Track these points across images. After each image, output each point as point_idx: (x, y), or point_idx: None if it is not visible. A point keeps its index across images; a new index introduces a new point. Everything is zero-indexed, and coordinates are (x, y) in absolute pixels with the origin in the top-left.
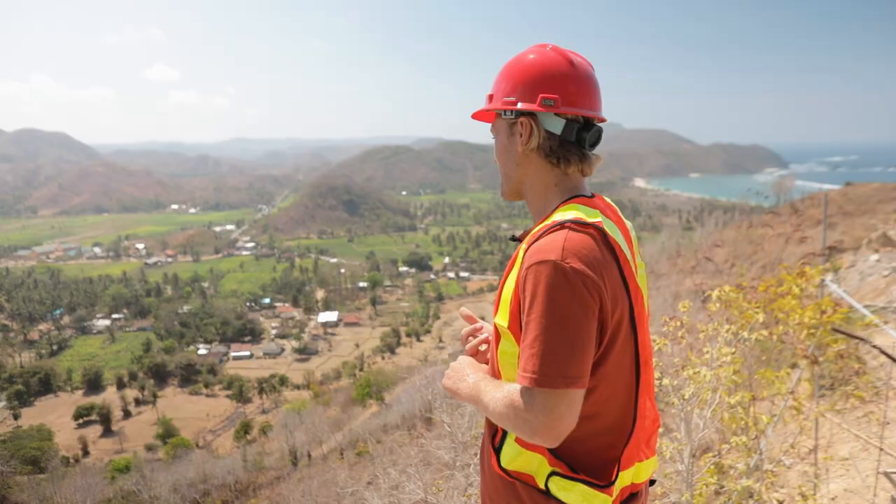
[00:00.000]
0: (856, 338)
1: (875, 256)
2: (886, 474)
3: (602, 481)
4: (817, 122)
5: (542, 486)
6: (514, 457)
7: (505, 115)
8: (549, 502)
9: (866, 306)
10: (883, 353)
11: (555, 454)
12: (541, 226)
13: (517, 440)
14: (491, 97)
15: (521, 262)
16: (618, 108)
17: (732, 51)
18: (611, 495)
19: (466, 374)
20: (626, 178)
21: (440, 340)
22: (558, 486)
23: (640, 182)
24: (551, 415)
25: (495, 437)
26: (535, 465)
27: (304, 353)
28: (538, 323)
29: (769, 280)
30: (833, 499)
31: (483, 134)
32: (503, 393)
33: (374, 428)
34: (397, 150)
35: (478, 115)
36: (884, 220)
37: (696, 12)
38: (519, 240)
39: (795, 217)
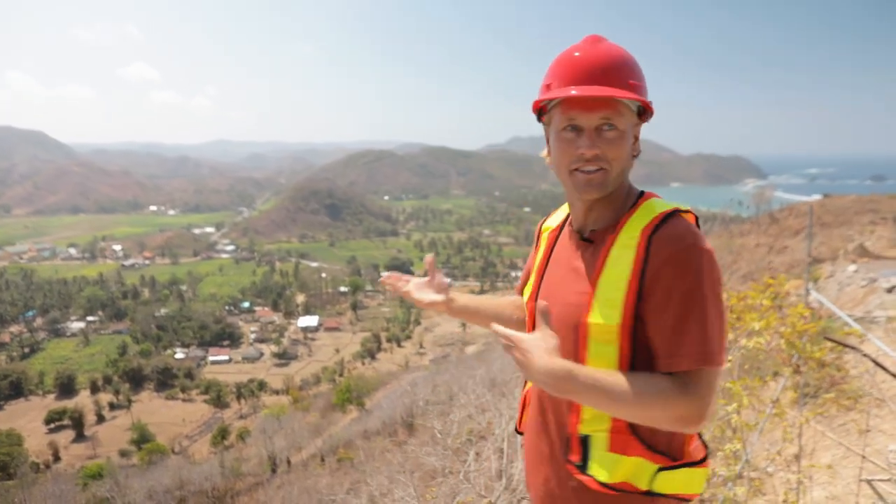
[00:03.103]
0: (848, 346)
1: (853, 267)
2: (868, 482)
3: (697, 458)
4: (796, 134)
5: (645, 488)
6: (614, 467)
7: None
8: (654, 502)
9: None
10: (875, 363)
11: (653, 449)
12: (643, 216)
13: (611, 448)
14: (608, 82)
15: (651, 252)
16: None
17: (714, 62)
18: (708, 466)
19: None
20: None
21: (421, 346)
22: (664, 481)
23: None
24: (712, 394)
25: (570, 452)
26: (635, 469)
27: (284, 357)
28: (697, 303)
29: (737, 294)
30: None
31: (466, 140)
32: (646, 379)
33: (354, 434)
34: (381, 155)
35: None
36: (860, 231)
37: (676, 22)
38: (591, 240)
39: (774, 227)
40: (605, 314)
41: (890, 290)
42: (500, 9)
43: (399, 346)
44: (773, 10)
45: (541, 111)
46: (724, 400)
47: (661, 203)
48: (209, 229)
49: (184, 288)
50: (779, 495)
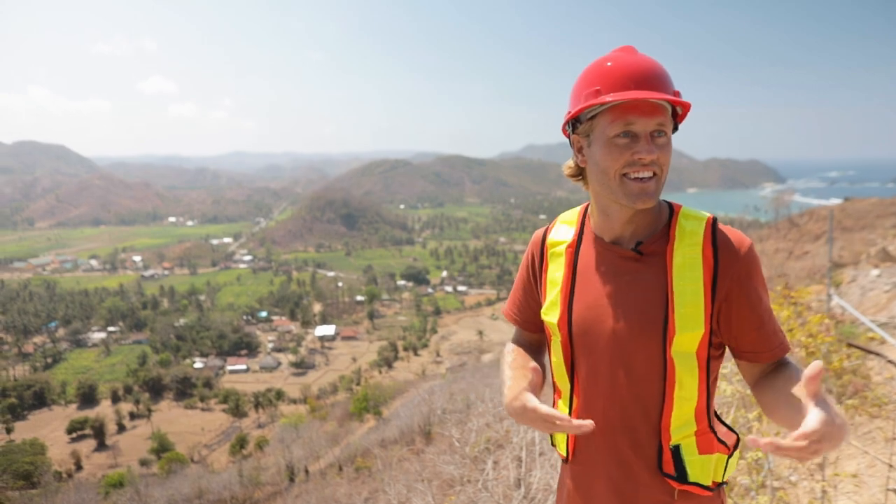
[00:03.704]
0: (871, 352)
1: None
2: (895, 491)
3: (736, 443)
4: (815, 137)
5: (723, 479)
6: (709, 468)
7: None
8: (722, 491)
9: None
10: None
11: (721, 442)
12: (692, 224)
13: (701, 450)
14: (664, 89)
15: (720, 258)
16: None
17: (729, 65)
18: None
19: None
20: None
21: (437, 354)
22: (727, 470)
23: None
24: None
25: (663, 466)
26: (718, 464)
27: (301, 367)
28: (765, 300)
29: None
30: None
31: (480, 148)
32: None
33: (372, 442)
34: (395, 164)
35: (685, 107)
36: (882, 234)
37: (692, 24)
38: (642, 252)
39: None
40: (690, 325)
41: None
42: (511, 16)
43: (416, 354)
44: (785, 11)
45: (575, 120)
46: (743, 410)
47: (694, 210)
48: (227, 239)
49: (202, 298)
50: None
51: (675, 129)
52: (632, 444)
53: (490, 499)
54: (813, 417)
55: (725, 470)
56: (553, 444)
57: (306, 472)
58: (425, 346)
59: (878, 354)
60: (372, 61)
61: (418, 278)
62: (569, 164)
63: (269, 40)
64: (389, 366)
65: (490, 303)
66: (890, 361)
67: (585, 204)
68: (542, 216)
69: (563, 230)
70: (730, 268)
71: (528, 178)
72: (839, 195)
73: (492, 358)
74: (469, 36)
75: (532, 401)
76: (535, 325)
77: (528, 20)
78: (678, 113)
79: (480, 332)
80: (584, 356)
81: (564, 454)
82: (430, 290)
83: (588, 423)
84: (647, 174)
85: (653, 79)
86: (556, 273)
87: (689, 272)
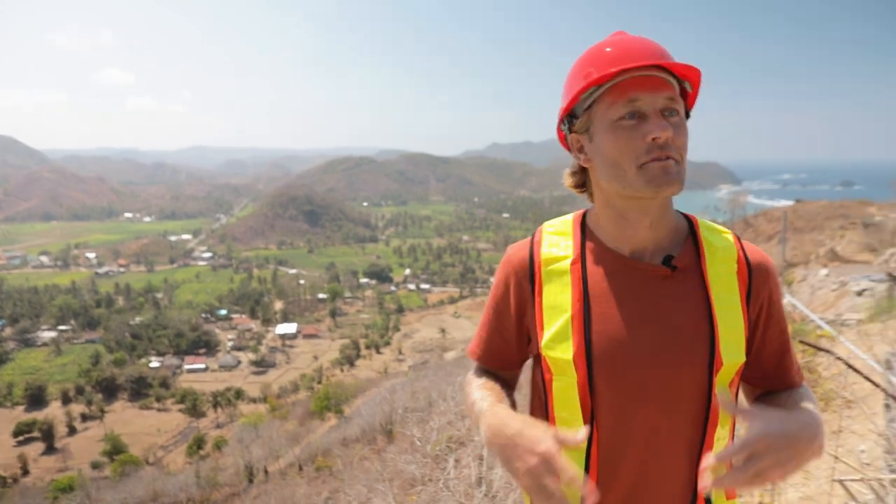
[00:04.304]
0: (821, 349)
1: (824, 271)
2: (840, 482)
3: None
4: (769, 140)
5: None
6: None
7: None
8: None
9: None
10: (847, 364)
11: None
12: (717, 237)
13: (728, 495)
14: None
15: (753, 277)
16: None
17: None
18: None
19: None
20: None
21: (400, 353)
22: None
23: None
24: None
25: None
26: None
27: (262, 365)
28: (786, 322)
29: None
30: None
31: (445, 146)
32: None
33: (333, 441)
34: (359, 162)
35: (692, 79)
36: (830, 235)
37: (642, 25)
38: (674, 266)
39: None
40: (735, 353)
41: (860, 294)
42: (478, 15)
43: (378, 352)
44: (739, 18)
45: (570, 117)
46: None
47: (711, 223)
48: (186, 236)
49: (159, 295)
50: (754, 496)
51: (687, 115)
52: (668, 498)
53: (451, 497)
54: (748, 432)
55: None
56: None
57: (266, 472)
58: (388, 344)
59: (827, 351)
60: (337, 58)
61: (381, 276)
62: (568, 171)
63: (230, 33)
64: (351, 364)
65: (453, 301)
66: (838, 358)
67: (580, 212)
68: (506, 215)
69: (557, 243)
70: (762, 288)
71: (493, 176)
72: (791, 197)
73: (455, 355)
74: (436, 35)
75: (551, 441)
76: (512, 364)
77: (495, 19)
78: (686, 95)
79: (443, 330)
80: (609, 398)
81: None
82: (393, 287)
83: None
84: (663, 157)
85: (653, 51)
86: (559, 296)
87: (727, 293)
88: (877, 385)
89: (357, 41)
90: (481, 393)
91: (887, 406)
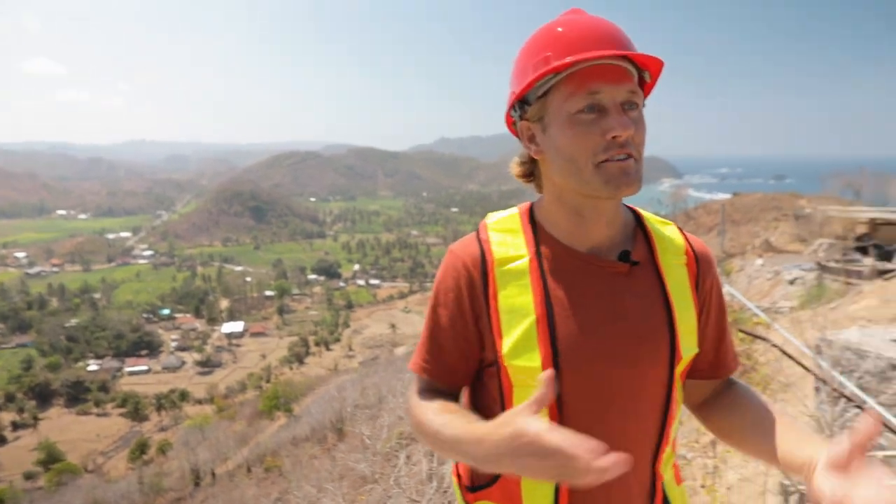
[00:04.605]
0: (758, 337)
1: (759, 261)
2: None
3: None
4: (709, 136)
5: None
6: (683, 497)
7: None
8: None
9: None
10: (781, 350)
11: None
12: (664, 228)
13: (677, 480)
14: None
15: (700, 268)
16: None
17: None
18: None
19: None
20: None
21: (350, 349)
22: None
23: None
24: None
25: (655, 496)
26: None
27: (207, 365)
28: (725, 309)
29: None
30: (729, 488)
31: (393, 141)
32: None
33: (282, 441)
34: (306, 156)
35: (653, 69)
36: (765, 227)
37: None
38: (633, 261)
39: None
40: (690, 345)
41: (792, 282)
42: (426, 8)
43: (328, 349)
44: (682, 16)
45: (522, 103)
46: None
47: (649, 213)
48: (125, 234)
49: (97, 296)
50: (697, 480)
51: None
52: (636, 489)
53: (402, 495)
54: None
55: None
56: None
57: (213, 475)
58: (337, 340)
59: (764, 339)
60: (282, 50)
61: (330, 272)
62: (516, 160)
63: (170, 23)
64: (301, 362)
65: (402, 296)
66: (774, 345)
67: (525, 205)
68: (455, 209)
69: (508, 241)
70: (706, 277)
71: (441, 171)
72: (728, 190)
73: (405, 350)
74: (383, 28)
75: (533, 424)
76: (466, 378)
77: (444, 11)
78: (644, 82)
79: (393, 326)
80: (578, 405)
81: None
82: (341, 283)
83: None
84: (622, 156)
85: (615, 37)
86: (517, 300)
87: (680, 285)
88: (808, 369)
89: (303, 34)
90: (444, 418)
91: (817, 389)
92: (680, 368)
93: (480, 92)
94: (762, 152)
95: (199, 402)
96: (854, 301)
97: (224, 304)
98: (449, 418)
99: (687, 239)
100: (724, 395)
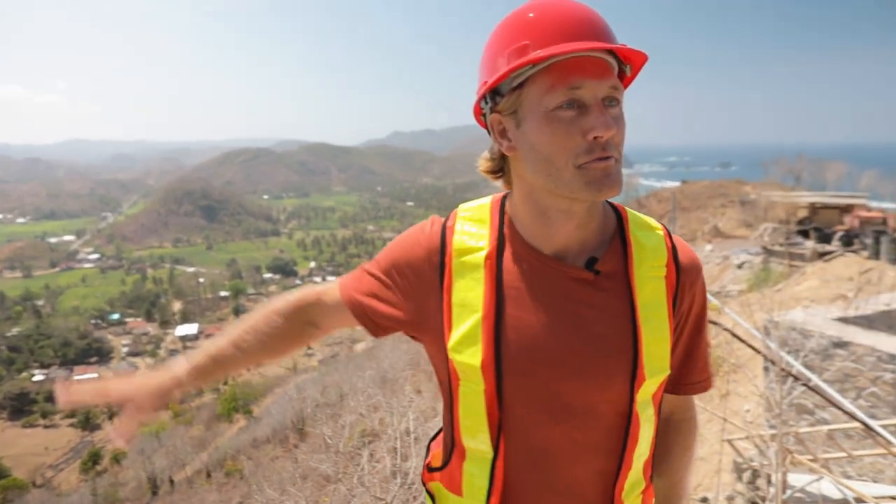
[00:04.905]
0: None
1: (709, 247)
2: (729, 441)
3: None
4: (658, 125)
5: None
6: (640, 486)
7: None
8: None
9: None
10: (732, 334)
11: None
12: (647, 234)
13: (644, 471)
14: (612, 40)
15: (681, 280)
16: (468, 109)
17: None
18: None
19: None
20: (487, 179)
21: (309, 347)
22: None
23: (499, 183)
24: None
25: (616, 495)
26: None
27: None
28: (706, 325)
29: None
30: None
31: (346, 135)
32: (695, 432)
33: (242, 444)
34: (257, 153)
35: (637, 63)
36: (713, 213)
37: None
38: (597, 270)
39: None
40: (658, 367)
41: (740, 266)
42: (376, 1)
43: None
44: (623, 4)
45: (493, 93)
46: None
47: (641, 216)
48: (68, 237)
49: (40, 303)
50: None
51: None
52: None
53: (367, 493)
54: None
55: None
56: None
57: (171, 482)
58: None
59: (715, 323)
60: (231, 45)
61: (286, 270)
62: (485, 155)
63: (110, 17)
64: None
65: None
66: (725, 329)
67: (498, 196)
68: (410, 203)
69: (472, 232)
70: (687, 293)
71: (395, 165)
72: (677, 178)
73: (364, 347)
74: (333, 21)
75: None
76: (372, 315)
77: (394, 3)
78: (624, 75)
79: None
80: (517, 410)
81: None
82: (298, 281)
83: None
84: (603, 157)
85: (598, 27)
86: (469, 293)
87: (655, 299)
88: (757, 350)
89: (251, 28)
90: (258, 328)
91: (766, 369)
92: (647, 390)
93: (433, 85)
94: (708, 140)
95: None
96: (798, 283)
97: (177, 306)
98: (244, 334)
99: (673, 247)
100: (665, 436)
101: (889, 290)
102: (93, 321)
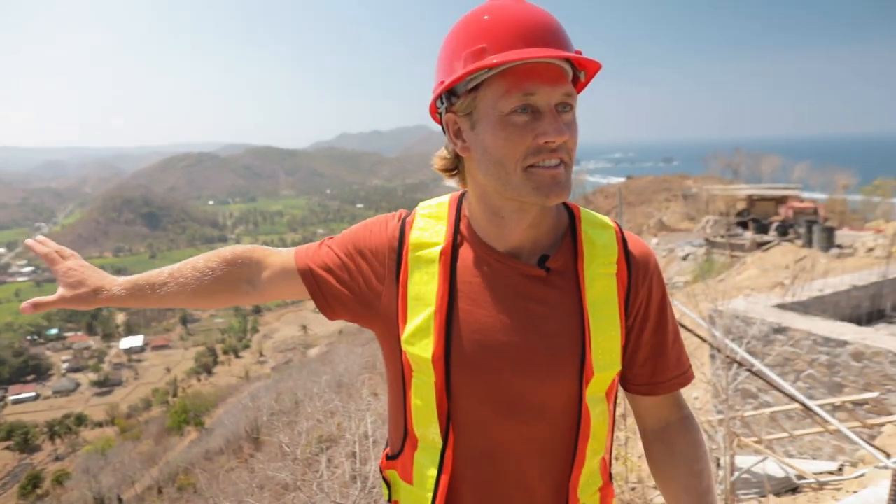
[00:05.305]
0: None
1: (655, 240)
2: None
3: None
4: (603, 122)
5: None
6: (596, 484)
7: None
8: None
9: None
10: (680, 325)
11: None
12: (599, 231)
13: (602, 469)
14: (569, 48)
15: (633, 273)
16: (425, 110)
17: None
18: None
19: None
20: (437, 179)
21: (261, 354)
22: None
23: (451, 182)
24: None
25: (570, 491)
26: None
27: (106, 385)
28: (671, 321)
29: None
30: (640, 456)
31: (292, 138)
32: (698, 433)
33: (195, 456)
34: (201, 158)
35: (591, 70)
36: (657, 207)
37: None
38: (548, 268)
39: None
40: (608, 362)
41: (685, 258)
42: (320, 1)
43: (237, 356)
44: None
45: (449, 93)
46: None
47: (593, 214)
48: None
49: None
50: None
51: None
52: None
53: (327, 499)
54: None
55: None
56: None
57: (119, 500)
58: (247, 346)
59: None
60: (167, 45)
61: None
62: (441, 153)
63: (37, 15)
64: (209, 372)
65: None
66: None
67: (456, 194)
68: (360, 205)
69: (429, 227)
70: (641, 288)
71: (344, 167)
72: (622, 174)
73: (318, 351)
74: (276, 22)
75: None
76: (325, 290)
77: (339, 3)
78: (578, 81)
79: (304, 327)
80: (466, 404)
81: None
82: None
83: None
84: (554, 162)
85: (555, 34)
86: (424, 288)
87: (605, 296)
88: (703, 339)
89: (191, 29)
90: (196, 266)
91: (712, 356)
92: (597, 386)
93: (380, 86)
94: (653, 137)
95: (100, 424)
96: (739, 272)
97: (120, 318)
98: (177, 270)
99: (625, 245)
100: (665, 442)
101: (822, 276)
102: (28, 337)
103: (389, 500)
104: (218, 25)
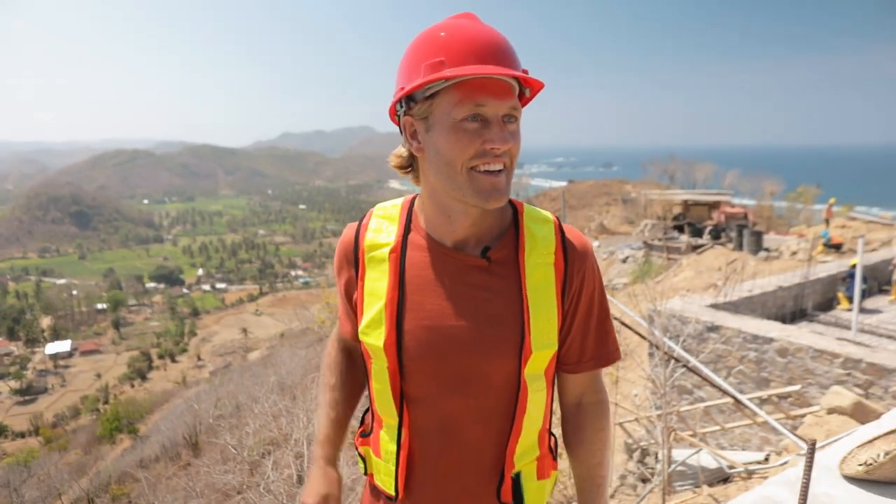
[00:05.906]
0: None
1: (596, 243)
2: (620, 424)
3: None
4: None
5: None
6: (543, 493)
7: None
8: None
9: None
10: (621, 322)
11: (554, 458)
12: (539, 225)
13: (539, 475)
14: (518, 67)
15: (569, 262)
16: (371, 112)
17: None
18: None
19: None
20: (381, 181)
21: (199, 358)
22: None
23: (394, 184)
24: None
25: (502, 493)
26: (551, 484)
27: (29, 393)
28: (602, 304)
29: None
30: None
31: (232, 136)
32: (607, 415)
33: (129, 465)
34: (134, 155)
35: (535, 88)
36: (598, 211)
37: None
38: (489, 258)
39: None
40: (545, 342)
41: (625, 261)
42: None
43: (174, 361)
44: (516, 14)
45: (409, 98)
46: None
47: (535, 209)
48: None
49: None
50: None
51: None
52: (473, 475)
53: (274, 501)
54: None
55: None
56: (374, 482)
57: None
58: (184, 350)
59: None
60: (98, 35)
61: (171, 279)
62: (398, 152)
63: None
64: (143, 377)
65: (253, 298)
66: (614, 318)
67: (409, 197)
68: (302, 206)
69: (382, 229)
70: (576, 275)
71: (286, 167)
72: (564, 178)
73: (259, 355)
74: (217, 16)
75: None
76: (354, 333)
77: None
78: (523, 96)
79: (245, 330)
80: (418, 384)
81: (393, 492)
82: (185, 290)
83: None
84: (497, 167)
85: (505, 53)
86: (377, 283)
87: (543, 282)
88: (643, 337)
89: (124, 19)
90: (330, 384)
91: (651, 354)
92: (536, 364)
93: (324, 86)
94: (594, 142)
95: (22, 435)
96: (675, 274)
97: (46, 322)
98: (330, 397)
99: (563, 236)
100: (577, 418)
101: (751, 278)
102: None
103: (366, 473)
104: (154, 16)
